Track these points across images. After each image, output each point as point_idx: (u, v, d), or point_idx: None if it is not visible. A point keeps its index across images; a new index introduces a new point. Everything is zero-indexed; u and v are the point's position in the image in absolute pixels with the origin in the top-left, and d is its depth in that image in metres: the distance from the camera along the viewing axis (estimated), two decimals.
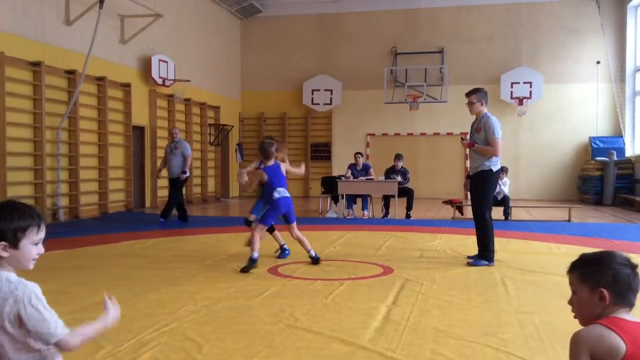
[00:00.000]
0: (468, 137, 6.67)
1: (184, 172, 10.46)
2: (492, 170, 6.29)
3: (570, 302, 1.88)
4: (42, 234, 1.89)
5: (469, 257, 6.51)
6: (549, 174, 17.95)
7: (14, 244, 1.82)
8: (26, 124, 10.37)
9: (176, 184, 10.53)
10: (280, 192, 6.11)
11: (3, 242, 1.81)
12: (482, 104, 6.42)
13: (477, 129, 6.42)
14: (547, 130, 17.92)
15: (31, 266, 1.88)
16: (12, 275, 1.82)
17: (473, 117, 6.63)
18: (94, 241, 8.14)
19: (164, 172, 11.10)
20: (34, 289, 1.80)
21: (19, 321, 1.76)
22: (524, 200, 16.39)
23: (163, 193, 14.87)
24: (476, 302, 4.56)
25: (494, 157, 6.25)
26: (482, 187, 6.32)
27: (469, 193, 6.86)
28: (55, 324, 1.78)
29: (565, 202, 15.72)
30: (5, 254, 1.82)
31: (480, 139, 6.35)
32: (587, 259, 1.86)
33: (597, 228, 9.94)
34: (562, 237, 8.50)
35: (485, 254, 6.28)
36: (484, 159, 6.28)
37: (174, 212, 10.64)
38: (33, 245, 1.87)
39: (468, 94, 6.50)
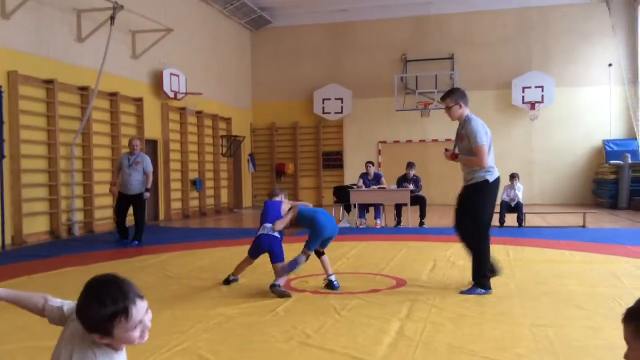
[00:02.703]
0: (453, 146, 5.75)
1: (147, 191, 9.46)
2: (487, 180, 5.36)
3: (626, 358, 1.53)
4: (135, 319, 1.55)
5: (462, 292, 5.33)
6: (563, 178, 17.81)
7: (108, 334, 1.55)
8: (40, 141, 10.50)
9: (138, 202, 9.46)
10: (265, 229, 5.65)
11: (94, 334, 1.55)
12: (460, 107, 5.48)
13: (460, 136, 5.52)
14: (559, 134, 17.80)
15: (142, 341, 1.60)
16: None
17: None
18: (109, 256, 8.21)
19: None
20: None
21: None
22: (538, 205, 16.27)
23: (176, 205, 15.00)
24: (490, 315, 4.53)
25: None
26: (477, 201, 5.41)
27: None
28: None
29: (580, 206, 15.57)
30: (105, 341, 1.57)
31: (464, 148, 5.48)
32: None
33: (613, 234, 9.84)
34: (577, 244, 8.42)
35: (482, 280, 5.34)
36: (477, 168, 5.38)
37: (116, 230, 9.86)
38: (129, 332, 1.55)
39: (443, 98, 5.61)
